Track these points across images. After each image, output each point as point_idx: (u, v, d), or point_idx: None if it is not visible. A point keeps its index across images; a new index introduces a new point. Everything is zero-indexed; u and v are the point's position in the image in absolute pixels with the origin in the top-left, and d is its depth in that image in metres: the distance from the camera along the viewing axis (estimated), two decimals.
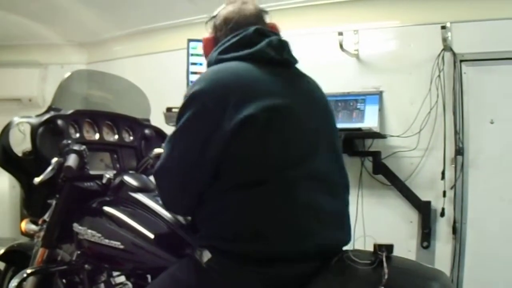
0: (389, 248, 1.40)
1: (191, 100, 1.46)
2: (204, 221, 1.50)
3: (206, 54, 1.69)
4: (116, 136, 2.31)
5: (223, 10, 1.68)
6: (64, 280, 2.07)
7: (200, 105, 1.43)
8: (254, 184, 1.40)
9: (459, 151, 3.25)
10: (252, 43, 1.54)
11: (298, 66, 1.68)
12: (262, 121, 1.40)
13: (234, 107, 1.40)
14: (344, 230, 1.55)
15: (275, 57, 1.54)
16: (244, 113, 1.39)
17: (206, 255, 1.47)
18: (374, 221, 3.47)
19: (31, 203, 2.15)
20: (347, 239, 1.56)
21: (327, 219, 1.48)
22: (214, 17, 1.70)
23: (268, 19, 1.71)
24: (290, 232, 1.41)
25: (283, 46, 1.59)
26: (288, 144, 1.44)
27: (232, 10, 1.65)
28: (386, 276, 1.32)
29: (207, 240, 1.48)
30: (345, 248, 1.54)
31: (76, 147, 1.92)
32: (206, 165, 1.43)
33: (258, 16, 1.67)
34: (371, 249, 1.43)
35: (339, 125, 3.45)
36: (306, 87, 1.62)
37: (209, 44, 1.68)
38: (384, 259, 1.36)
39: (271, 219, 1.41)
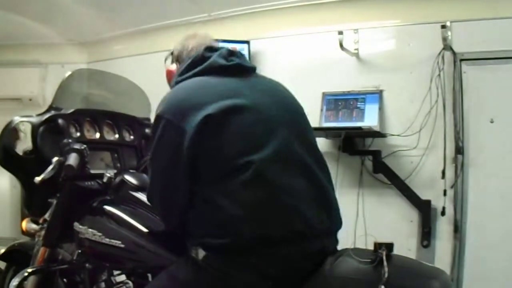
0: (389, 246, 1.41)
1: (157, 123, 1.58)
2: (192, 221, 1.54)
3: (169, 83, 1.81)
4: (117, 135, 2.32)
5: (178, 44, 1.82)
6: (65, 279, 2.08)
7: (165, 122, 1.54)
8: (226, 175, 1.47)
9: (459, 150, 3.25)
10: (204, 59, 1.67)
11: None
12: (218, 118, 1.49)
13: (192, 113, 1.50)
14: (328, 213, 1.57)
15: (225, 64, 1.65)
16: (202, 114, 1.48)
17: (201, 253, 1.50)
18: (375, 220, 3.47)
19: (32, 202, 2.16)
20: (336, 222, 1.61)
21: (306, 199, 1.51)
22: (172, 53, 1.83)
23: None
24: (274, 212, 1.45)
25: (233, 53, 1.71)
26: (246, 133, 1.51)
27: (187, 38, 1.81)
28: (386, 275, 1.33)
29: (199, 239, 1.51)
30: (339, 236, 1.62)
31: (76, 146, 1.92)
32: (182, 170, 1.51)
33: (210, 39, 1.80)
34: (371, 247, 1.43)
35: (340, 124, 3.54)
36: (264, 86, 1.70)
37: (172, 75, 1.79)
38: (384, 257, 1.37)
39: (252, 204, 1.45)
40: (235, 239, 1.43)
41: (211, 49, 1.70)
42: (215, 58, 1.65)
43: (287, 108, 1.66)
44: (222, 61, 1.65)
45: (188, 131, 1.48)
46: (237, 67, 1.67)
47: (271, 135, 1.53)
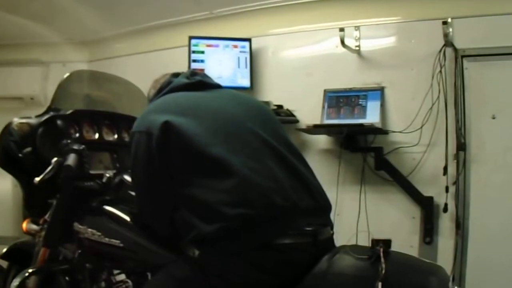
0: (387, 243, 1.41)
1: (131, 139, 1.69)
2: (180, 221, 1.57)
3: None
4: (116, 136, 2.33)
5: (151, 88, 1.94)
6: (67, 278, 2.08)
7: (136, 135, 1.65)
8: (197, 171, 1.54)
9: (461, 146, 3.23)
10: (170, 83, 1.82)
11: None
12: (179, 121, 1.58)
13: (156, 118, 1.61)
14: (309, 193, 1.60)
15: (188, 81, 1.78)
16: (163, 118, 1.58)
17: (196, 252, 1.51)
18: (377, 217, 3.47)
19: (32, 203, 2.17)
20: (321, 202, 1.63)
21: (279, 180, 1.54)
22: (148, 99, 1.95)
23: None
24: (250, 191, 1.48)
25: (196, 73, 1.85)
26: (210, 130, 1.58)
27: (156, 80, 1.93)
28: (383, 271, 1.33)
29: (190, 234, 1.52)
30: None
31: (75, 147, 1.93)
32: (160, 173, 1.60)
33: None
34: None
35: (341, 121, 3.54)
36: (229, 94, 1.81)
37: None
38: (381, 254, 1.37)
39: (228, 189, 1.48)
40: (221, 223, 1.45)
41: (176, 74, 1.85)
42: (179, 79, 1.81)
43: (252, 109, 1.76)
44: (185, 80, 1.79)
45: (154, 133, 1.57)
46: (200, 83, 1.79)
47: (236, 129, 1.61)
